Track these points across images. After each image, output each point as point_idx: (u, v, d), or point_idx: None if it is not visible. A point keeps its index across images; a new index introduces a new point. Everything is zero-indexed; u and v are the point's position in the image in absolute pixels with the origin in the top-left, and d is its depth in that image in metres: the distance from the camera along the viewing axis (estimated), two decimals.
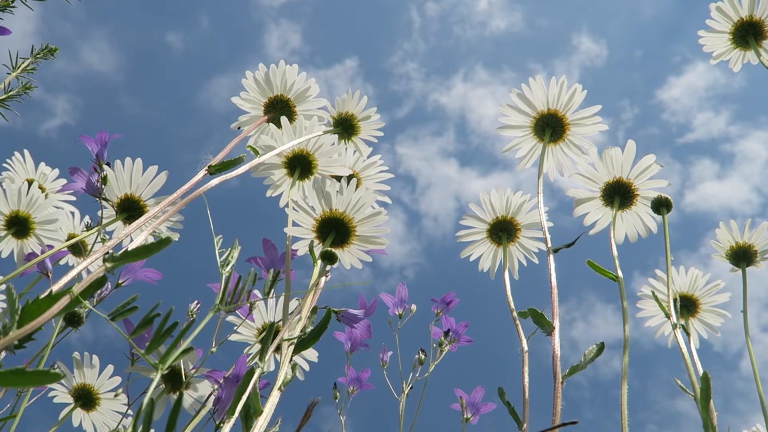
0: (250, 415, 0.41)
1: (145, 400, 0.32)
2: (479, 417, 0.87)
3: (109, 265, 0.35)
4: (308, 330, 0.49)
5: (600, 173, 0.64)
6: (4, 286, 0.66)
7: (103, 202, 0.59)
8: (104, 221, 0.59)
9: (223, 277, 0.46)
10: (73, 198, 0.77)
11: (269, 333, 0.43)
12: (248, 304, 0.58)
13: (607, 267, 0.56)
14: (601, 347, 0.50)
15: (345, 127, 0.71)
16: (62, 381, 0.66)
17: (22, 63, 0.89)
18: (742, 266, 0.69)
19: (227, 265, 0.47)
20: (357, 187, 0.57)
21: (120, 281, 0.62)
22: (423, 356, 0.88)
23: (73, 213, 0.76)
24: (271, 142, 0.63)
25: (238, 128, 0.71)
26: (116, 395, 0.66)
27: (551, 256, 0.58)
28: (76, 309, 0.59)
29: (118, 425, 0.67)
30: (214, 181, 0.53)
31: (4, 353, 0.52)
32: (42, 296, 0.33)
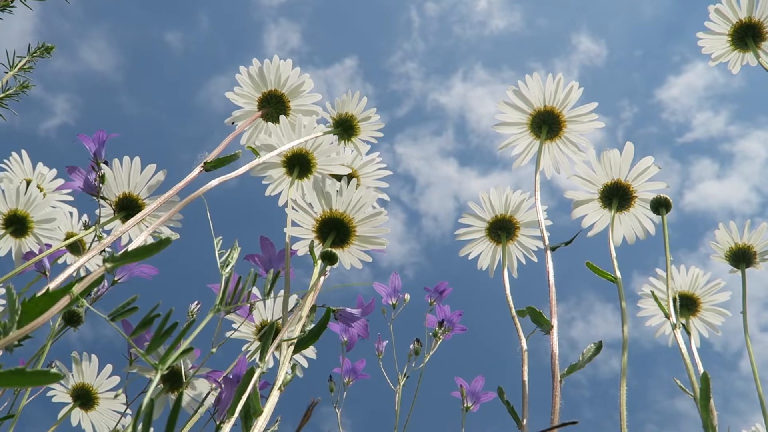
0: (249, 415, 0.41)
1: (145, 400, 0.32)
2: (479, 406, 0.87)
3: (109, 265, 0.35)
4: (308, 329, 0.49)
5: (598, 175, 0.64)
6: (3, 286, 0.65)
7: (101, 201, 0.59)
8: (102, 220, 0.59)
9: (223, 278, 0.46)
10: (71, 198, 0.77)
11: (269, 332, 0.43)
12: (248, 305, 0.58)
13: (605, 268, 0.56)
14: (599, 346, 0.50)
15: (345, 127, 0.71)
16: (61, 380, 0.66)
17: (19, 61, 0.89)
18: (741, 267, 0.69)
19: (227, 266, 0.47)
20: (356, 186, 0.57)
21: (116, 278, 0.62)
22: (418, 346, 0.88)
23: (71, 212, 0.75)
24: (270, 141, 0.63)
25: (232, 123, 0.71)
26: (116, 395, 0.66)
27: (548, 254, 0.58)
28: (75, 308, 0.59)
29: (116, 425, 0.67)
30: (214, 182, 0.52)
31: (1, 352, 0.52)
32: (39, 294, 0.32)
